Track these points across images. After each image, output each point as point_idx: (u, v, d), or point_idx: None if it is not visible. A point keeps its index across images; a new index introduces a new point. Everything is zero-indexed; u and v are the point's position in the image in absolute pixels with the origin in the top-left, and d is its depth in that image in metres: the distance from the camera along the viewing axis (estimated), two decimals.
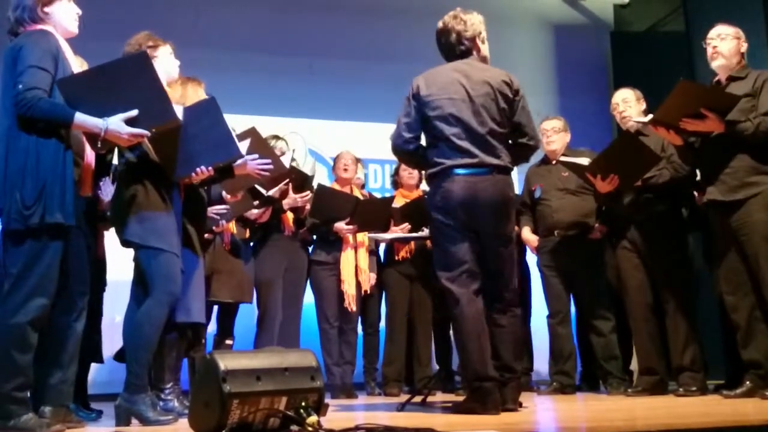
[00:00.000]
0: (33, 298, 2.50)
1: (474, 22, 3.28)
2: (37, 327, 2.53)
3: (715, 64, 3.66)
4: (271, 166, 3.31)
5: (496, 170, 3.12)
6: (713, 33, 3.68)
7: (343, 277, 4.70)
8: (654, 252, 4.05)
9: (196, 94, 3.39)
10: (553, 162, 4.64)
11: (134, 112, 2.60)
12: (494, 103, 3.15)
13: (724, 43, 3.63)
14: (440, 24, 3.31)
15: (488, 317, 3.14)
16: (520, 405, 3.19)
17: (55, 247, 2.55)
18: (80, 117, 2.55)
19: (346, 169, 4.91)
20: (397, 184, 5.14)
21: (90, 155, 2.75)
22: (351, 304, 4.70)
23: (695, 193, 4.06)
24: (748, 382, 3.51)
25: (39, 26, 2.67)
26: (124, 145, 2.73)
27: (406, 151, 3.24)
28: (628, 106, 4.22)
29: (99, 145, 2.62)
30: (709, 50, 3.67)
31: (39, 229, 2.51)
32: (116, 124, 2.58)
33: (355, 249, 4.76)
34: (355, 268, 4.74)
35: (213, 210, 3.74)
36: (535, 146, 3.32)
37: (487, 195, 3.07)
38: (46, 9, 2.68)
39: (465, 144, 3.09)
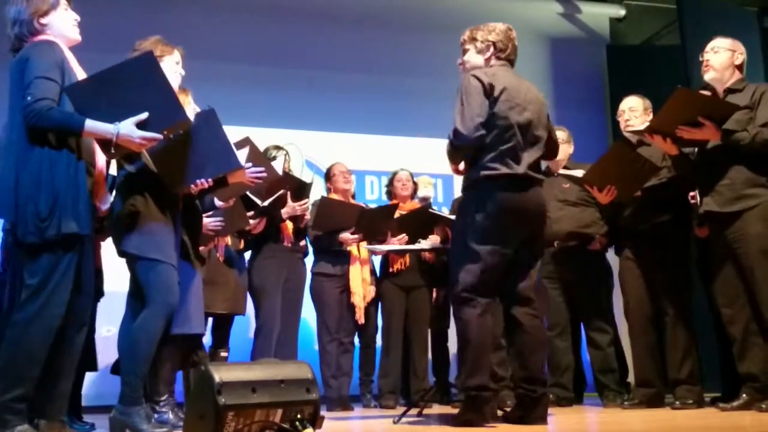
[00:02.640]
0: (47, 309, 2.50)
1: None
2: (49, 340, 2.52)
3: (707, 77, 3.68)
4: (264, 174, 3.31)
5: (538, 183, 3.16)
6: (708, 47, 3.70)
7: (353, 290, 4.72)
8: (656, 263, 4.04)
9: (185, 103, 3.38)
10: (555, 174, 4.64)
11: (144, 115, 2.59)
12: (543, 119, 3.20)
13: (716, 57, 3.65)
14: (510, 28, 3.33)
15: (513, 318, 3.13)
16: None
17: (70, 258, 2.55)
18: (91, 124, 2.54)
19: (347, 180, 4.93)
20: (391, 195, 5.14)
21: (101, 165, 2.73)
22: (361, 317, 4.72)
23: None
24: (744, 395, 3.50)
25: (42, 37, 2.66)
26: (137, 150, 2.70)
27: (473, 147, 3.08)
28: (634, 115, 4.20)
29: (112, 151, 2.61)
30: (703, 63, 3.69)
31: (55, 241, 2.50)
32: (127, 128, 2.57)
33: (361, 262, 4.78)
34: (361, 280, 4.76)
35: (208, 226, 3.74)
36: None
37: (534, 206, 3.11)
38: (42, 20, 2.67)
39: (521, 154, 3.08)
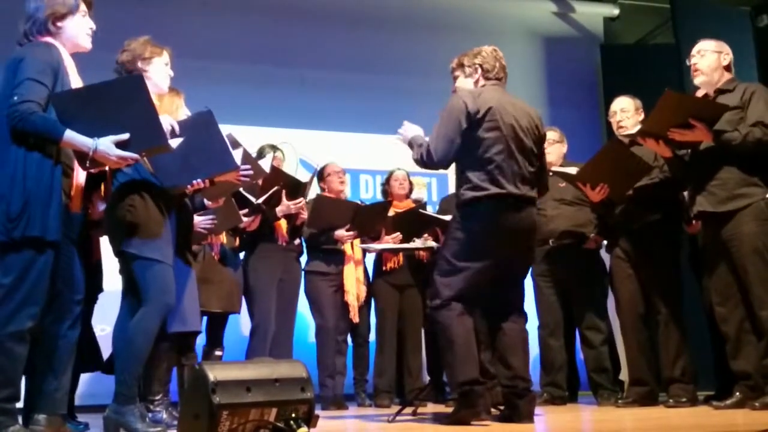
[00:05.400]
0: (24, 308, 2.49)
1: None
2: (27, 338, 2.52)
3: (697, 81, 3.68)
4: (251, 172, 3.31)
5: (531, 203, 3.18)
6: (694, 50, 3.70)
7: (347, 288, 4.73)
8: (646, 262, 4.05)
9: (178, 105, 3.38)
10: (549, 173, 4.63)
11: (125, 136, 2.58)
12: (534, 136, 3.21)
13: (703, 60, 3.65)
14: (496, 49, 3.35)
15: (495, 325, 3.16)
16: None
17: (44, 259, 2.53)
18: (69, 135, 2.53)
19: (342, 181, 4.93)
20: (386, 193, 5.14)
21: (80, 173, 2.73)
22: (355, 315, 4.72)
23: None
24: (737, 393, 3.51)
25: (45, 38, 2.66)
26: (113, 167, 2.72)
27: (442, 167, 3.22)
28: (626, 116, 4.21)
29: (87, 164, 2.61)
30: (691, 69, 3.69)
31: (22, 242, 2.49)
32: (106, 145, 2.55)
33: (354, 261, 4.78)
34: (355, 279, 4.76)
35: (200, 224, 3.73)
36: (545, 191, 3.43)
37: (525, 226, 3.13)
38: (59, 23, 2.67)
39: (511, 173, 3.10)
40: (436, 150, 3.14)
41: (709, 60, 3.65)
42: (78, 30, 2.72)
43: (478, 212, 3.09)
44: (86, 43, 2.76)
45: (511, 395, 3.11)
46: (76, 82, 2.71)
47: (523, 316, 3.26)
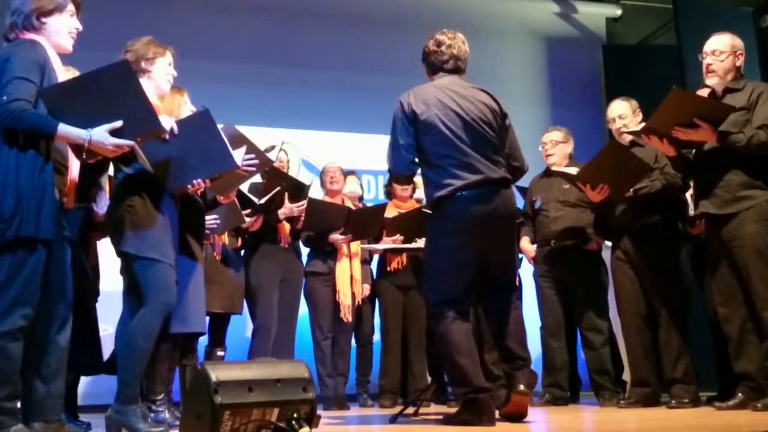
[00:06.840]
0: (16, 308, 2.49)
1: (465, 44, 3.28)
2: (20, 336, 2.51)
3: (709, 82, 3.64)
4: (256, 161, 3.31)
5: (502, 185, 3.12)
6: (708, 47, 3.63)
7: (339, 287, 4.71)
8: (647, 263, 4.05)
9: (180, 103, 3.39)
10: (553, 174, 4.64)
11: (119, 123, 2.58)
12: (489, 119, 3.16)
13: (720, 64, 3.59)
14: (438, 40, 3.26)
15: (490, 305, 3.17)
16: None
17: (35, 259, 2.53)
18: (63, 128, 2.53)
19: (334, 181, 4.93)
20: (390, 194, 5.15)
21: (74, 169, 2.73)
22: (347, 314, 4.70)
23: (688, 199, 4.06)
24: (739, 394, 3.50)
25: (30, 35, 2.65)
26: (110, 156, 2.71)
27: (407, 175, 3.20)
28: (624, 122, 4.19)
29: (84, 156, 2.61)
30: (704, 67, 3.65)
31: (15, 242, 2.49)
32: (100, 135, 2.56)
33: (350, 259, 4.78)
34: (350, 278, 4.75)
35: (204, 224, 3.73)
36: (522, 169, 3.34)
37: (500, 212, 3.08)
38: (43, 19, 2.66)
39: (468, 160, 3.05)
40: (390, 159, 3.16)
41: (725, 64, 3.58)
42: (61, 28, 2.70)
43: (447, 210, 3.06)
44: (68, 44, 2.74)
45: (509, 369, 3.12)
46: (62, 78, 2.70)
47: (515, 293, 3.25)
